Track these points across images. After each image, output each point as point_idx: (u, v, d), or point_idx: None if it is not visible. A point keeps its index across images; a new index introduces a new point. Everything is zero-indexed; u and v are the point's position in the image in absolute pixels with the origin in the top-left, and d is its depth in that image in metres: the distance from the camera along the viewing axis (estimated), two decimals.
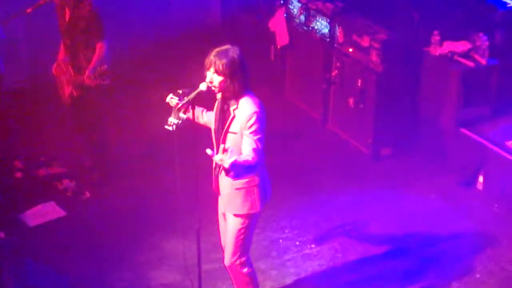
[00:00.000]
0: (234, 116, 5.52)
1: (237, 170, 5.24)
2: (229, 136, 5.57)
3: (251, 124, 5.44)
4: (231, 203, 5.79)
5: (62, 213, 7.75)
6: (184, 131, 5.55)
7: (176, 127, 5.50)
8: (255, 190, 5.73)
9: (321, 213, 7.77)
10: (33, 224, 7.57)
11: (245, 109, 5.47)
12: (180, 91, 5.63)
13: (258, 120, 5.45)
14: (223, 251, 6.19)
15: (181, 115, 5.55)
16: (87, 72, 7.56)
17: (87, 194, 8.06)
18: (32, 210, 7.76)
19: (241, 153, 5.45)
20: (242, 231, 5.84)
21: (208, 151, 5.20)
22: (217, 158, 5.20)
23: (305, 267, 7.04)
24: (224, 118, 5.61)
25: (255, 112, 5.45)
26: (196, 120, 5.78)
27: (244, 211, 5.77)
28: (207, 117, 5.93)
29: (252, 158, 5.38)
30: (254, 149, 5.41)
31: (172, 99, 5.69)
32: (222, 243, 6.20)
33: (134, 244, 7.32)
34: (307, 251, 7.25)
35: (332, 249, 7.26)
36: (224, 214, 6.01)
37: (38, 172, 8.39)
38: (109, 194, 8.07)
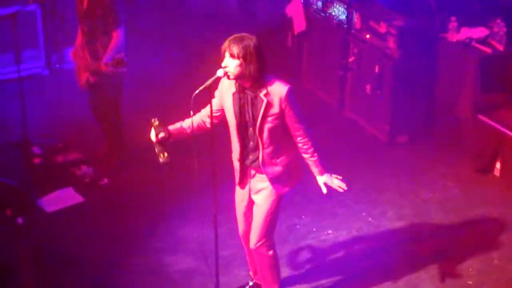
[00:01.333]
0: (267, 102, 5.54)
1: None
2: (268, 120, 5.61)
3: (292, 103, 5.58)
4: (279, 182, 5.86)
5: (80, 199, 7.80)
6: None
7: (167, 157, 5.77)
8: (297, 161, 5.90)
9: (338, 199, 7.76)
10: (51, 210, 7.62)
11: (279, 90, 5.55)
12: (156, 121, 5.75)
13: (294, 95, 5.60)
14: (240, 238, 6.26)
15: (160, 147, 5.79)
16: (104, 60, 7.58)
17: (105, 180, 8.09)
18: (50, 195, 7.81)
19: (282, 132, 5.68)
20: (273, 213, 5.93)
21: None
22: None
23: (322, 252, 7.06)
24: (254, 107, 5.60)
25: (289, 90, 5.57)
26: (191, 132, 5.82)
27: (281, 191, 5.90)
28: (189, 125, 5.86)
29: (310, 139, 5.78)
30: (305, 130, 5.73)
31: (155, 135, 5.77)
32: (240, 232, 6.22)
33: (151, 229, 7.36)
34: (324, 237, 7.27)
35: (349, 235, 7.28)
36: (246, 203, 6.04)
37: (56, 158, 8.43)
38: (127, 180, 8.11)
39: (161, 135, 5.74)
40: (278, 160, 5.78)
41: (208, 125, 5.82)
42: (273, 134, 5.66)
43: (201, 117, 5.87)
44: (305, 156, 5.81)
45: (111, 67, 7.52)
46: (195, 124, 5.80)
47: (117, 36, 7.65)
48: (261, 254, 6.05)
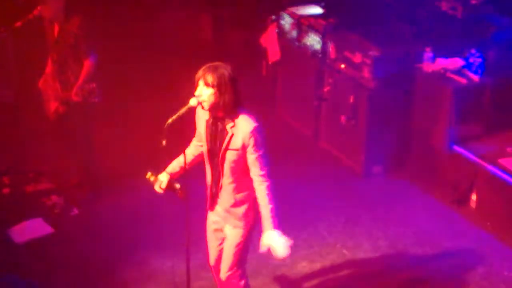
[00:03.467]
0: (232, 134, 5.52)
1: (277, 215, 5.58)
2: (229, 153, 5.56)
3: (254, 141, 5.48)
4: (235, 217, 5.77)
5: (49, 229, 7.69)
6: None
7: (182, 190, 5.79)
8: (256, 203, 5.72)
9: (312, 231, 7.74)
10: (20, 241, 7.51)
11: (245, 126, 5.49)
12: (151, 176, 5.86)
13: (259, 134, 5.50)
14: (211, 269, 6.15)
15: (176, 185, 5.82)
16: (74, 89, 7.52)
17: (75, 211, 8.00)
18: (19, 226, 7.70)
19: (244, 167, 5.58)
20: (242, 244, 5.85)
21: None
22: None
23: (296, 284, 7.00)
24: (221, 137, 5.58)
25: (255, 128, 5.48)
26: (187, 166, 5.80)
27: (247, 222, 5.77)
28: (192, 152, 5.95)
29: (267, 182, 5.55)
30: (262, 169, 5.54)
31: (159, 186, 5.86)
32: (211, 262, 6.13)
33: (122, 261, 7.27)
34: (298, 268, 7.20)
35: (323, 267, 7.22)
36: (218, 230, 5.96)
37: (26, 188, 8.33)
38: (98, 210, 8.02)
39: (177, 186, 5.82)
40: (237, 195, 5.71)
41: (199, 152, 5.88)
42: (234, 168, 5.61)
43: (192, 151, 5.94)
44: (260, 202, 5.59)
45: (82, 97, 7.45)
46: (189, 158, 5.89)
47: (89, 65, 7.59)
48: (231, 285, 5.97)
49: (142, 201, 8.04)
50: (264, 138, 5.55)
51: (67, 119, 7.81)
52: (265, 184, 5.56)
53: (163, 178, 5.84)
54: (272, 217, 5.56)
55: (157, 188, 5.85)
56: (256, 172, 5.56)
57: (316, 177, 8.70)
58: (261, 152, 5.53)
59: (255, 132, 5.48)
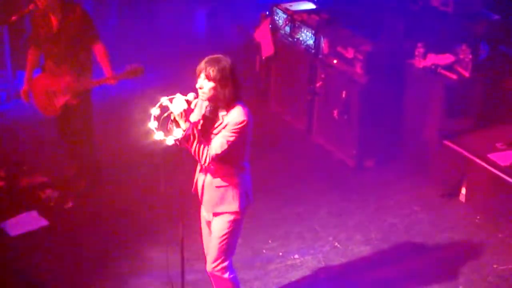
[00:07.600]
0: (222, 122, 5.57)
1: (186, 137, 5.44)
2: (212, 137, 5.61)
3: (235, 129, 5.51)
4: (212, 203, 5.80)
5: (44, 222, 7.71)
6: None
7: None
8: (236, 188, 5.75)
9: (304, 224, 7.78)
10: (14, 234, 7.53)
11: (235, 115, 5.53)
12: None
13: (243, 129, 5.53)
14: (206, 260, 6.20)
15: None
16: (111, 73, 7.57)
17: (70, 204, 8.01)
18: (14, 219, 7.72)
19: (225, 155, 5.56)
20: (226, 235, 5.85)
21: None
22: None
23: (289, 277, 7.04)
24: (212, 122, 5.64)
25: (244, 121, 5.52)
26: None
27: (226, 209, 5.78)
28: None
29: (212, 154, 5.51)
30: (217, 150, 5.52)
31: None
32: (206, 252, 6.18)
33: (117, 253, 7.30)
34: (290, 261, 7.25)
35: (315, 260, 7.27)
36: (208, 222, 6.01)
37: (20, 181, 8.33)
38: (92, 203, 8.03)
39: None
40: (216, 179, 5.73)
41: None
42: None
43: None
44: None
45: (124, 76, 7.49)
46: None
47: (102, 47, 7.62)
48: (217, 277, 6.01)
49: (136, 194, 8.09)
50: (246, 135, 5.58)
51: (73, 110, 7.76)
52: (211, 154, 5.53)
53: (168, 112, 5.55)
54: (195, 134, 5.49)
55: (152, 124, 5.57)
56: (212, 146, 5.55)
57: (309, 171, 8.75)
58: (230, 139, 5.52)
59: (239, 123, 5.51)
